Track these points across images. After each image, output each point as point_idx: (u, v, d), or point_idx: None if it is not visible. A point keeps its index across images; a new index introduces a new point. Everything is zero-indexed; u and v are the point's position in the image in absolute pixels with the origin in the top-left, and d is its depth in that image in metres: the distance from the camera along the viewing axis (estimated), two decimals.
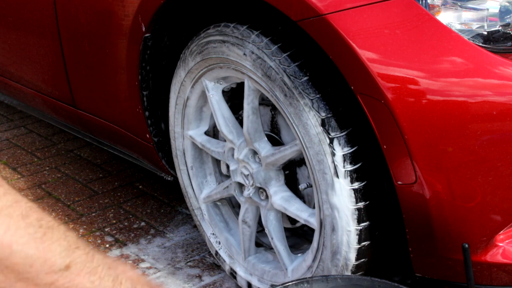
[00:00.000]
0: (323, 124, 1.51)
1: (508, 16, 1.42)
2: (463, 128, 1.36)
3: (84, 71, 2.24)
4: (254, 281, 1.92)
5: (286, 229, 1.85)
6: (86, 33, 2.13)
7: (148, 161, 2.26)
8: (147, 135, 2.10)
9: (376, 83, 1.38)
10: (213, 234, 2.06)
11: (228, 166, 1.90)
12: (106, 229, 2.43)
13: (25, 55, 2.56)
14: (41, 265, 0.94)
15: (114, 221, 2.48)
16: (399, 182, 1.45)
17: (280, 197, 1.74)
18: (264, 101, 1.80)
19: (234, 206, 2.07)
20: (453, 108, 1.35)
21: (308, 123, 1.53)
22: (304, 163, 1.74)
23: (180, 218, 2.48)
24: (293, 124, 1.57)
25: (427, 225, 1.46)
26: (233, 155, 1.85)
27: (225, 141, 1.88)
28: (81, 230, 2.43)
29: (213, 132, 1.99)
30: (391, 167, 1.45)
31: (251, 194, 1.82)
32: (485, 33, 1.41)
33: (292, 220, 1.87)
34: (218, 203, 2.05)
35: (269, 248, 1.95)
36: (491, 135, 1.36)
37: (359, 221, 1.54)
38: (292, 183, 1.79)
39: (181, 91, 1.91)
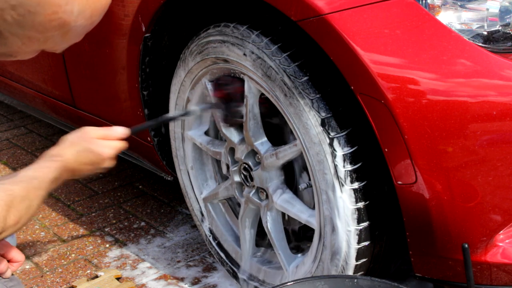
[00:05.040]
0: (323, 124, 1.51)
1: (508, 16, 1.42)
2: (463, 128, 1.36)
3: (84, 71, 2.24)
4: (253, 281, 1.92)
5: (286, 229, 1.85)
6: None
7: (148, 161, 2.26)
8: (147, 135, 2.10)
9: (376, 83, 1.38)
10: (212, 234, 2.06)
11: (228, 166, 1.90)
12: (106, 229, 2.43)
13: None
14: None
15: (114, 221, 2.48)
16: (399, 182, 1.45)
17: (281, 198, 1.74)
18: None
19: (235, 206, 2.07)
20: (453, 108, 1.35)
21: (308, 123, 1.53)
22: (304, 163, 1.74)
23: (180, 218, 2.48)
24: (293, 124, 1.57)
25: (427, 225, 1.46)
26: (233, 155, 1.85)
27: (225, 141, 1.88)
28: (81, 230, 2.43)
29: (214, 132, 1.99)
30: (391, 167, 1.45)
31: (251, 194, 1.82)
32: (485, 33, 1.41)
33: (288, 221, 1.87)
34: (219, 203, 2.05)
35: (269, 248, 1.95)
36: (491, 135, 1.36)
37: (359, 221, 1.54)
38: (292, 183, 1.78)
39: (181, 91, 1.91)
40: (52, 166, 1.30)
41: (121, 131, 1.44)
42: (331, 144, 1.51)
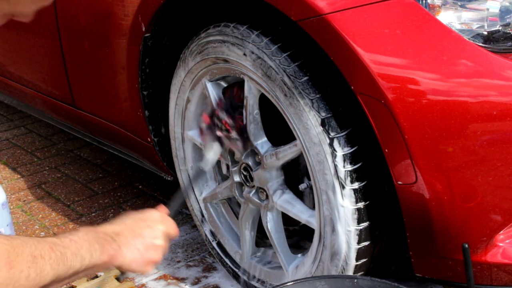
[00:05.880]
0: (323, 124, 1.51)
1: (508, 16, 1.42)
2: (463, 128, 1.36)
3: (84, 71, 2.24)
4: (253, 281, 1.92)
5: (286, 229, 1.85)
6: (86, 33, 2.13)
7: (148, 161, 2.26)
8: (147, 135, 2.10)
9: (376, 83, 1.38)
10: (212, 234, 2.06)
11: (228, 166, 1.90)
12: None
13: (25, 55, 2.56)
14: None
15: None
16: (399, 182, 1.45)
17: (282, 198, 1.74)
18: None
19: (235, 206, 2.07)
20: (453, 108, 1.35)
21: (308, 123, 1.53)
22: (304, 163, 1.74)
23: (180, 218, 2.48)
24: (293, 124, 1.57)
25: (427, 225, 1.46)
26: (233, 155, 1.85)
27: None
28: None
29: None
30: (391, 167, 1.45)
31: (251, 194, 1.82)
32: (485, 33, 1.41)
33: (288, 221, 1.87)
34: (219, 203, 2.05)
35: (269, 248, 1.94)
36: (491, 135, 1.36)
37: (359, 221, 1.54)
38: (292, 183, 1.78)
39: (181, 91, 1.91)
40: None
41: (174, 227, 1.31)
42: (331, 144, 1.51)
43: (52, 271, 1.01)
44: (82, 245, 1.08)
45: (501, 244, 1.46)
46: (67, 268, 1.04)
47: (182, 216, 2.48)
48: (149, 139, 2.11)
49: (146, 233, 1.22)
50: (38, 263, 0.99)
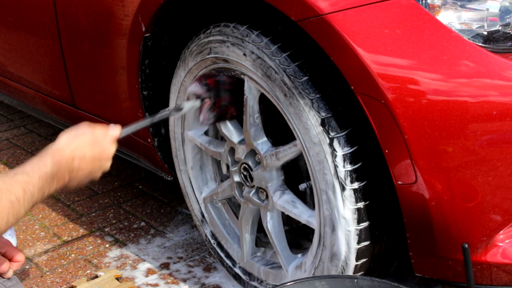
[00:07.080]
0: (323, 124, 1.51)
1: (508, 16, 1.42)
2: (463, 128, 1.36)
3: (84, 71, 2.24)
4: (253, 281, 1.92)
5: (286, 229, 1.85)
6: (86, 33, 2.13)
7: (148, 161, 2.26)
8: (147, 136, 2.10)
9: (376, 83, 1.38)
10: (212, 234, 2.06)
11: (228, 166, 1.90)
12: (106, 229, 2.43)
13: (25, 55, 2.56)
14: None
15: (114, 221, 2.48)
16: (399, 182, 1.45)
17: (282, 198, 1.74)
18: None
19: (235, 206, 2.07)
20: (453, 108, 1.35)
21: (308, 123, 1.53)
22: (304, 163, 1.74)
23: (180, 218, 2.48)
24: (293, 124, 1.57)
25: (427, 225, 1.46)
26: (233, 155, 1.85)
27: (225, 141, 1.88)
28: (81, 230, 2.43)
29: (213, 132, 1.99)
30: (391, 167, 1.45)
31: (251, 194, 1.82)
32: (485, 33, 1.41)
33: (288, 221, 1.87)
34: (219, 203, 2.05)
35: (269, 248, 1.94)
36: (491, 135, 1.36)
37: (359, 221, 1.54)
38: (292, 183, 1.78)
39: (181, 91, 1.91)
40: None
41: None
42: (331, 144, 1.51)
43: (24, 210, 1.12)
44: (46, 181, 1.19)
45: (501, 244, 1.46)
46: (33, 204, 1.16)
47: (182, 216, 2.48)
48: (149, 140, 2.11)
49: (91, 158, 1.35)
50: (15, 208, 1.10)
